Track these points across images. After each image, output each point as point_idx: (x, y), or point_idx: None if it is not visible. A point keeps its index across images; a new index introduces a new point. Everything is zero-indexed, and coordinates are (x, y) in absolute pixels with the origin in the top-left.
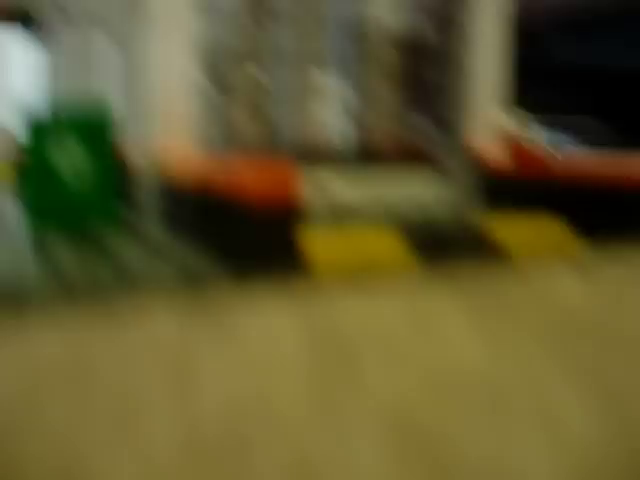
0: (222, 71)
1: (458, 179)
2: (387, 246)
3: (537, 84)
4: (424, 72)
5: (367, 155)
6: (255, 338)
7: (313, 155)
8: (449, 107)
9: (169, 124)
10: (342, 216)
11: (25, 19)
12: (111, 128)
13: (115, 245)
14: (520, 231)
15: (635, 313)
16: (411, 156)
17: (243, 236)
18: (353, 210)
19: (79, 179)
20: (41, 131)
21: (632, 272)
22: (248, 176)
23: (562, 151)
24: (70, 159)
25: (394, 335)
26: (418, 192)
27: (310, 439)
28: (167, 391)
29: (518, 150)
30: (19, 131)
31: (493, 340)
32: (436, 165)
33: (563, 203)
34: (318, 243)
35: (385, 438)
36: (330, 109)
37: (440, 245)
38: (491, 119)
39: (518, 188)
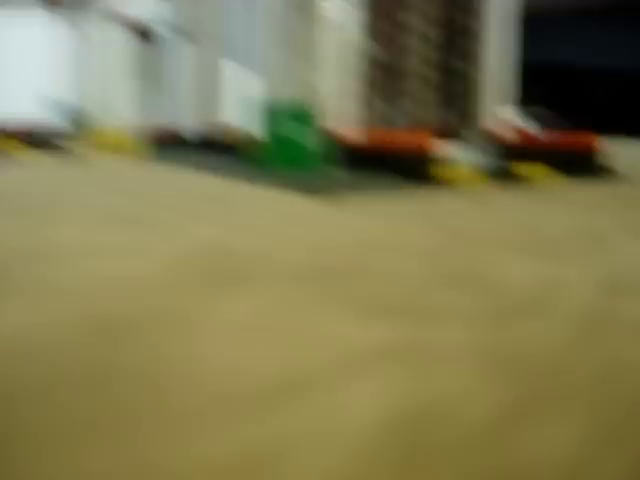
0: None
1: (483, 148)
2: (472, 174)
3: None
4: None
5: None
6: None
7: None
8: (473, 101)
9: (341, 109)
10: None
11: None
12: (317, 112)
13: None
14: (531, 170)
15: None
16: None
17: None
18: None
19: (301, 143)
20: (278, 114)
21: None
22: (401, 137)
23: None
24: (296, 131)
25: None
26: (470, 154)
27: None
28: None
29: (519, 130)
30: (258, 115)
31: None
32: (467, 140)
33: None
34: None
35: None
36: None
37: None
38: (500, 109)
39: (520, 152)
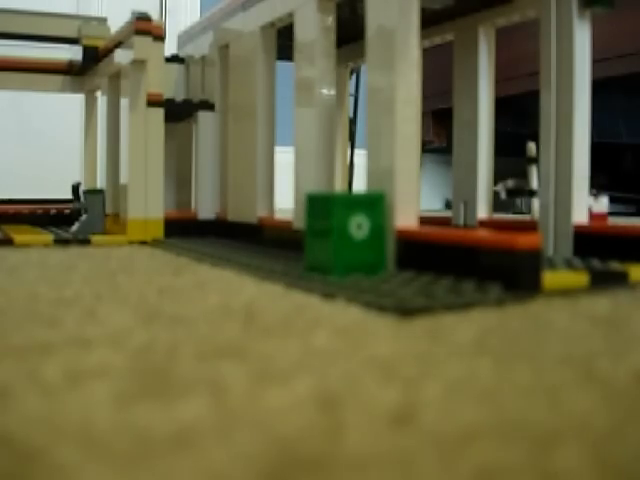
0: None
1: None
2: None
3: None
4: None
5: None
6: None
7: None
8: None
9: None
10: None
11: None
12: (382, 202)
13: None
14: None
15: None
16: None
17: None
18: None
19: (362, 237)
20: (340, 204)
21: None
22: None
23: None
24: (356, 223)
25: None
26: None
27: None
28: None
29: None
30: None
31: None
32: None
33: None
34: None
35: None
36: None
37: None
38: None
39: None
